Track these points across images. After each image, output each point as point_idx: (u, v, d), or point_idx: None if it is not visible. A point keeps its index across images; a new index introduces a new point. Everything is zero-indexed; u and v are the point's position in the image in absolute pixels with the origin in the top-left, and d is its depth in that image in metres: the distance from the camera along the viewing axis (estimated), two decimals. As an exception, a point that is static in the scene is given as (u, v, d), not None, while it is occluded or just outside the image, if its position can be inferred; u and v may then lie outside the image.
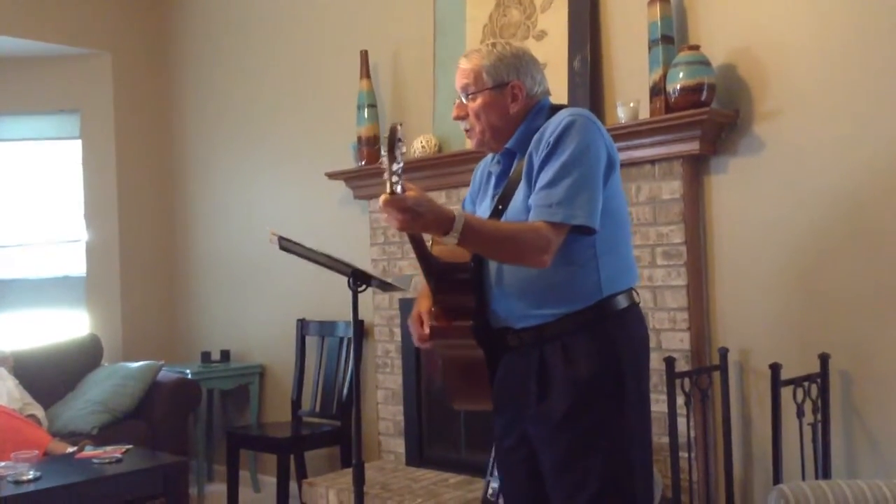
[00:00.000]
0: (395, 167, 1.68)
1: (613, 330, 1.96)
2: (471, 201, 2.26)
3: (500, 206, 2.01)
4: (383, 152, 1.69)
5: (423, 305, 2.07)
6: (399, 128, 1.71)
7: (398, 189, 1.70)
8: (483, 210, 2.11)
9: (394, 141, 1.68)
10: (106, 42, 5.23)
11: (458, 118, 2.10)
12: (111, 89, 5.24)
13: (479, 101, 2.03)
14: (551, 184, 1.88)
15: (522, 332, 1.98)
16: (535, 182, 1.92)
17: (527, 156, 1.97)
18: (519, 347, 2.00)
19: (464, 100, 2.06)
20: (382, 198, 1.72)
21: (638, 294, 2.07)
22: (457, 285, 1.98)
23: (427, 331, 2.02)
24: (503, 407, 2.07)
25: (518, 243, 1.86)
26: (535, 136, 1.97)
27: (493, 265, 2.00)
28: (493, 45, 2.07)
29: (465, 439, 3.79)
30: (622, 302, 1.99)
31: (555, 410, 1.93)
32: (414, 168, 3.75)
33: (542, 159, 1.91)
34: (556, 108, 2.06)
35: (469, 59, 2.06)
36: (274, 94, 4.75)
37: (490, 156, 2.17)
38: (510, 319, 1.99)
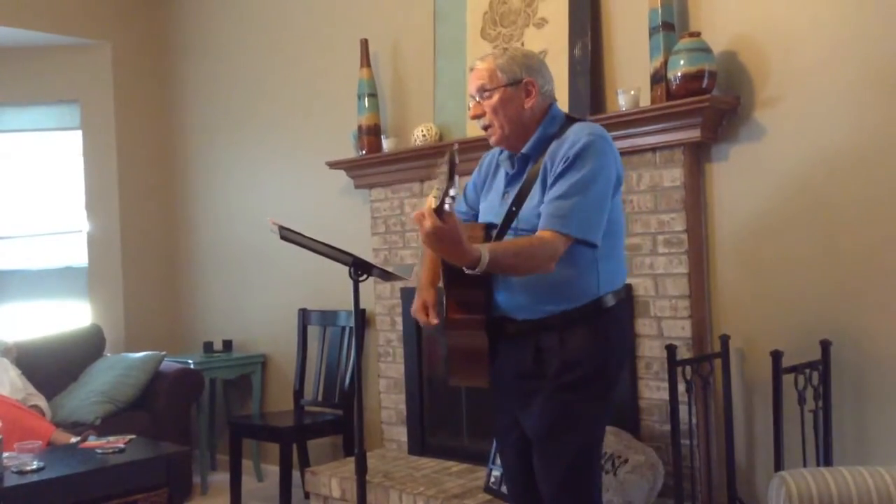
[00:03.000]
0: (452, 191, 1.75)
1: (607, 323, 2.15)
2: (473, 188, 2.37)
3: (514, 209, 2.13)
4: (441, 171, 1.76)
5: (429, 296, 2.27)
6: (456, 152, 1.78)
7: (447, 208, 1.76)
8: (491, 205, 2.23)
9: (452, 165, 1.75)
10: (106, 32, 5.22)
11: (475, 117, 2.21)
12: (111, 80, 5.24)
13: (495, 97, 2.15)
14: (565, 196, 2.01)
15: (522, 322, 2.14)
16: (549, 191, 2.05)
17: (542, 165, 2.10)
18: (516, 335, 2.16)
19: (479, 99, 2.18)
20: (430, 222, 1.76)
21: (623, 290, 2.22)
22: (468, 280, 2.04)
23: (433, 320, 2.22)
24: (500, 390, 2.24)
25: (533, 260, 2.00)
26: (552, 147, 2.10)
27: None
28: (505, 48, 2.23)
29: (467, 428, 3.79)
30: (612, 300, 2.16)
31: (548, 383, 2.11)
32: (414, 157, 3.74)
33: (559, 172, 2.05)
34: (570, 120, 2.19)
35: (483, 60, 2.19)
36: (274, 83, 4.73)
37: (498, 149, 2.27)
38: (511, 311, 2.15)
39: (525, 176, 2.15)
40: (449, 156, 1.76)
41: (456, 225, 1.81)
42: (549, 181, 2.06)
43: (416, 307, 2.28)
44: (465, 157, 3.52)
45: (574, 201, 2.01)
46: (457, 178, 1.77)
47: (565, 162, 2.04)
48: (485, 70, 2.16)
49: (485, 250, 1.90)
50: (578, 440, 2.11)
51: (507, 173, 2.23)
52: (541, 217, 2.05)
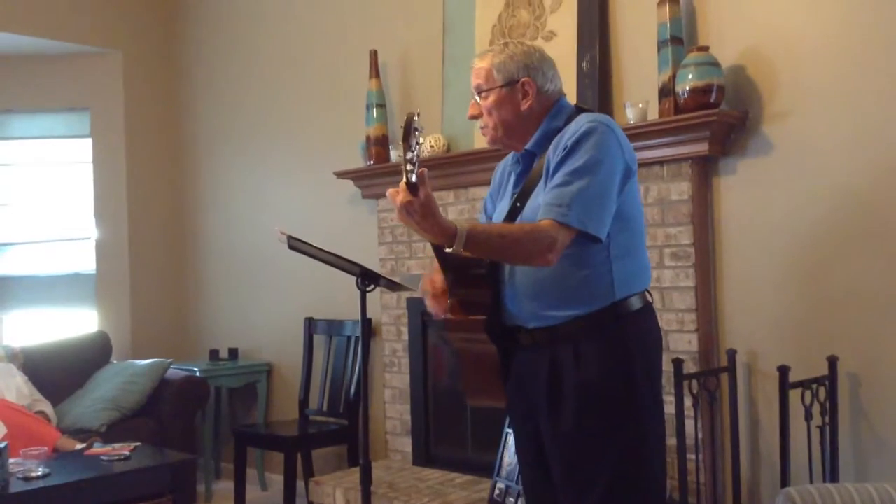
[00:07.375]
0: (409, 155, 1.71)
1: (625, 332, 1.97)
2: (490, 200, 2.28)
3: (519, 204, 2.04)
4: (401, 142, 1.73)
5: (439, 279, 2.08)
6: (416, 117, 1.73)
7: (413, 178, 1.72)
8: (502, 208, 2.13)
9: (409, 129, 1.71)
10: (116, 41, 5.25)
11: (472, 117, 2.14)
12: (121, 88, 5.26)
13: (490, 98, 2.07)
14: (564, 184, 1.90)
15: (535, 331, 2.01)
16: (550, 181, 1.94)
17: (546, 158, 1.99)
18: (531, 346, 2.02)
19: (477, 99, 2.10)
20: (400, 197, 1.74)
21: (651, 294, 2.08)
22: (473, 280, 1.99)
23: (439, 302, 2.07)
24: (517, 403, 2.10)
25: (523, 247, 1.88)
26: (556, 139, 2.00)
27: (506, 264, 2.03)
28: (506, 44, 2.12)
29: (471, 439, 3.78)
30: (635, 304, 2.01)
31: (565, 415, 1.95)
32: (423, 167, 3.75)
33: (559, 161, 1.94)
34: (580, 111, 2.08)
35: (482, 59, 2.10)
36: (283, 93, 4.75)
37: (511, 155, 2.19)
38: (522, 318, 2.02)
39: (531, 172, 2.06)
40: (406, 120, 1.71)
41: (429, 195, 1.74)
42: (551, 172, 1.95)
43: (424, 283, 2.14)
44: (473, 168, 3.57)
45: (573, 189, 1.87)
46: (416, 142, 1.71)
47: (564, 150, 1.92)
48: (482, 69, 2.07)
49: (463, 225, 1.80)
50: (607, 468, 1.92)
51: (516, 174, 2.14)
52: (541, 209, 1.92)
